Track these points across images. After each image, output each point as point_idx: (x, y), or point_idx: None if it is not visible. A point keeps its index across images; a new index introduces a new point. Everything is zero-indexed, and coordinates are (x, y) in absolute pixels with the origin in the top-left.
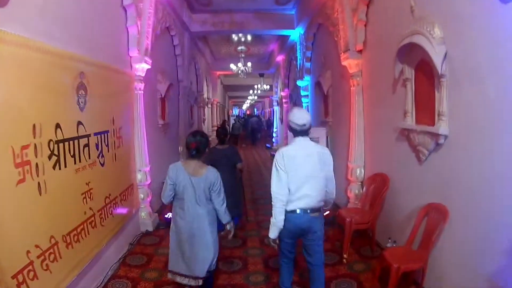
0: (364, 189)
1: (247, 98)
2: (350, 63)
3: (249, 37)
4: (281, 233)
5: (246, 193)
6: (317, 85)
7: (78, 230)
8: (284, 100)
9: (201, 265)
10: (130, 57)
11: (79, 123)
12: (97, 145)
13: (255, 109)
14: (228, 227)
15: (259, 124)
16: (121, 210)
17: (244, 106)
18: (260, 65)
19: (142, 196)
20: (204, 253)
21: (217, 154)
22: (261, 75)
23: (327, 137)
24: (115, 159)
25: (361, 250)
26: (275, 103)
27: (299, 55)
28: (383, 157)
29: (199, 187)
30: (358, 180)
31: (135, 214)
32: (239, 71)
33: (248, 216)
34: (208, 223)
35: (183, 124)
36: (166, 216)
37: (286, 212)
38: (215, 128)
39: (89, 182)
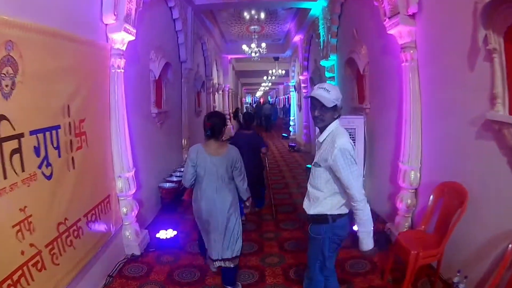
0: (430, 202)
1: (261, 85)
2: (401, 31)
3: (262, 15)
4: (330, 244)
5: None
6: (348, 64)
7: (14, 279)
8: (303, 85)
9: (229, 247)
10: (106, 25)
11: (0, 117)
12: (37, 149)
13: (269, 97)
14: (247, 203)
15: (273, 111)
16: (92, 234)
17: (258, 94)
18: (275, 47)
19: (125, 210)
20: (228, 235)
21: (242, 138)
22: (276, 58)
23: (364, 128)
24: (74, 166)
25: (419, 285)
26: (292, 89)
27: (322, 31)
28: (455, 160)
29: (221, 166)
30: (412, 186)
31: (116, 233)
32: (252, 53)
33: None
34: (230, 205)
35: (187, 113)
36: (158, 236)
37: (340, 216)
38: (227, 116)
39: (25, 207)
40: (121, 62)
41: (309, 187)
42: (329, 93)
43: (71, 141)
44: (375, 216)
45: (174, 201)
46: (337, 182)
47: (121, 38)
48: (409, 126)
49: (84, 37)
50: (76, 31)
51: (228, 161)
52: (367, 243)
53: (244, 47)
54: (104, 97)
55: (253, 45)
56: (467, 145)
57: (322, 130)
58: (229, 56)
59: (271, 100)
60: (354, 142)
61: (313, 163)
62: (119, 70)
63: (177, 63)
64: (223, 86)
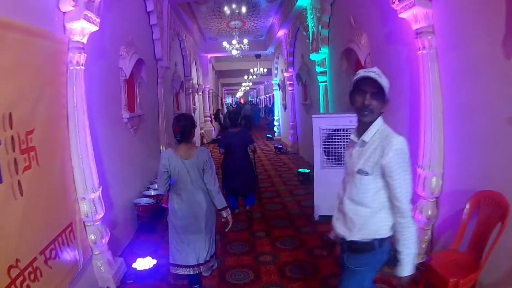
0: (464, 215)
1: (241, 85)
2: (416, 14)
3: (243, 9)
4: (372, 274)
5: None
6: (345, 55)
7: None
8: (288, 83)
9: (203, 252)
10: (64, 13)
11: None
12: None
13: (249, 97)
14: (224, 214)
15: (254, 112)
16: (55, 272)
17: (238, 94)
18: (257, 44)
19: (93, 237)
20: (203, 239)
21: (231, 137)
22: (258, 56)
23: None
24: (22, 193)
25: None
26: (275, 87)
27: (310, 22)
28: (485, 165)
29: (193, 168)
30: (433, 195)
31: (86, 265)
32: (233, 50)
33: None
34: (206, 207)
35: (165, 116)
36: (135, 267)
37: (388, 238)
38: (208, 118)
39: None
40: (81, 58)
41: (347, 205)
42: (381, 78)
43: (15, 160)
44: None
45: (153, 219)
46: (387, 192)
47: (81, 28)
48: (430, 125)
49: (32, 27)
50: (24, 19)
51: (199, 164)
52: (408, 268)
53: (225, 44)
54: (61, 101)
55: (234, 42)
56: (501, 147)
57: (363, 127)
58: (209, 55)
59: (252, 100)
60: None
61: (356, 170)
62: (78, 67)
63: (152, 61)
64: (203, 87)
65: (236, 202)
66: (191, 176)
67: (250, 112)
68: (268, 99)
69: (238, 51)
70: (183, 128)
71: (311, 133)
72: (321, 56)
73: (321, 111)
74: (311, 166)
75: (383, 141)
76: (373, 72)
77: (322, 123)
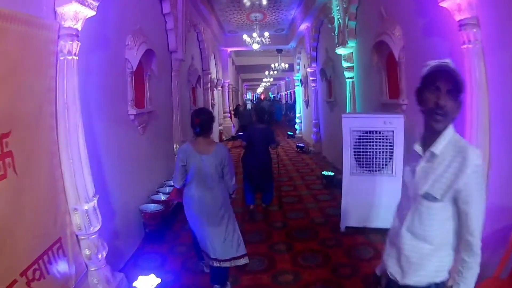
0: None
1: (262, 81)
2: (459, 2)
3: (264, 1)
4: None
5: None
6: (376, 49)
7: None
8: (311, 78)
9: (232, 246)
10: None
11: None
12: None
13: (270, 93)
14: (233, 196)
15: (276, 108)
16: None
17: (259, 90)
18: (278, 39)
19: (88, 252)
20: (225, 235)
21: (255, 132)
22: (279, 51)
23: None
24: None
25: None
26: (297, 83)
27: (336, 14)
28: None
29: (211, 164)
30: None
31: (81, 282)
32: (254, 43)
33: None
34: (221, 204)
35: (180, 112)
36: (136, 286)
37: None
38: (227, 114)
39: None
40: (74, 46)
41: (404, 239)
42: (457, 72)
43: None
44: None
45: (161, 228)
46: (455, 222)
47: (74, 12)
48: (474, 130)
49: (9, 11)
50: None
51: (217, 159)
52: None
53: (245, 37)
54: (48, 97)
55: (254, 35)
56: None
57: (432, 135)
58: (229, 49)
59: (273, 95)
60: (391, 150)
61: (421, 194)
62: (70, 57)
63: (165, 53)
64: (222, 82)
65: (253, 199)
66: (208, 171)
67: (268, 109)
68: (289, 95)
69: (259, 45)
70: (203, 120)
71: (335, 133)
72: (348, 50)
73: (347, 110)
74: (334, 168)
75: (458, 155)
76: (448, 64)
77: (353, 124)
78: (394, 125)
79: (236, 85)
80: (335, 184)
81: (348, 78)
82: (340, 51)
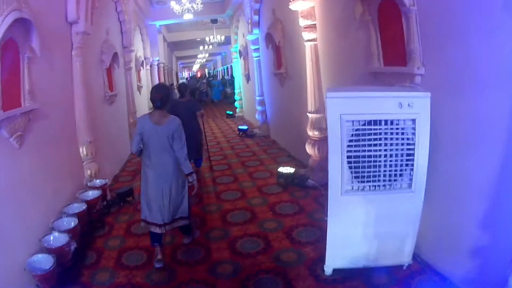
0: None
1: (197, 58)
2: None
3: None
4: None
5: None
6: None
7: None
8: (252, 47)
9: (173, 210)
10: None
11: None
12: None
13: (207, 70)
14: (190, 179)
15: (200, 86)
16: None
17: (195, 67)
18: (213, 7)
19: None
20: (174, 198)
21: (179, 106)
22: (214, 21)
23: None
24: None
25: None
26: (235, 56)
27: None
28: None
29: (163, 134)
30: None
31: None
32: (186, 12)
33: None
34: (173, 170)
35: (85, 105)
36: None
37: None
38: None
39: None
40: None
41: None
42: None
43: None
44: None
45: None
46: None
47: None
48: None
49: None
50: None
51: (168, 131)
52: None
53: (173, 4)
54: None
55: (184, 0)
56: None
57: None
58: (158, 23)
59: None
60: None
61: None
62: None
63: (61, 25)
64: (151, 60)
65: None
66: (160, 140)
67: (194, 85)
68: (225, 70)
69: (191, 15)
70: (163, 95)
71: (288, 112)
72: (308, 3)
73: (308, 85)
74: (290, 157)
75: None
76: None
77: (347, 108)
78: (416, 109)
79: (170, 63)
80: (297, 183)
81: (308, 40)
82: (296, 5)
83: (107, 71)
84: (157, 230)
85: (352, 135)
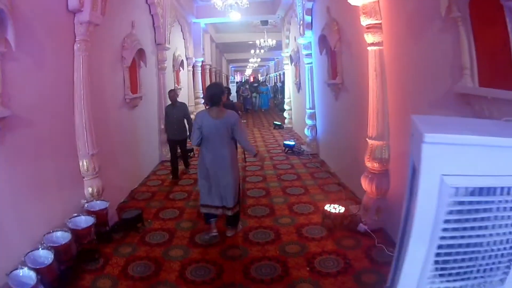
0: None
1: (249, 62)
2: None
3: None
4: None
5: None
6: None
7: None
8: (304, 53)
9: (229, 196)
10: None
11: None
12: None
13: (259, 75)
14: (257, 157)
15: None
16: None
17: (247, 72)
18: (262, 7)
19: None
20: (229, 186)
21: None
22: (264, 23)
23: None
24: None
25: None
26: (286, 62)
27: None
28: None
29: (222, 127)
30: None
31: None
32: (228, 7)
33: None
34: (230, 161)
35: (87, 109)
36: None
37: None
38: (201, 100)
39: None
40: None
41: None
42: None
43: None
44: None
45: None
46: None
47: None
48: None
49: None
50: None
51: (227, 123)
52: None
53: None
54: None
55: None
56: None
57: None
58: (203, 22)
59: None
60: None
61: None
62: None
63: (57, 13)
64: (193, 61)
65: None
66: (219, 132)
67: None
68: (278, 77)
69: (234, 9)
70: (213, 95)
71: (341, 131)
72: None
73: (371, 103)
74: (340, 186)
75: None
76: None
77: (455, 164)
78: None
79: (219, 66)
80: (346, 225)
81: (371, 44)
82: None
83: (129, 70)
84: (217, 211)
85: (450, 211)
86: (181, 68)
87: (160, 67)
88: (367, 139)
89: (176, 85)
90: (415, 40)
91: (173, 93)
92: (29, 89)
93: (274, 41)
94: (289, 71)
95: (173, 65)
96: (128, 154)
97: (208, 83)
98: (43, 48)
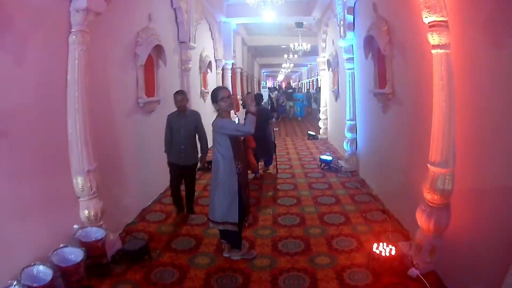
0: None
1: (282, 67)
2: None
3: None
4: None
5: None
6: None
7: None
8: (345, 57)
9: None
10: None
11: None
12: None
13: (291, 81)
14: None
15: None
16: None
17: (279, 77)
18: (297, 7)
19: None
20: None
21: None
22: (299, 25)
23: None
24: None
25: None
26: (322, 67)
27: None
28: None
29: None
30: None
31: None
32: (260, 2)
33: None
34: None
35: (82, 114)
36: None
37: None
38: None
39: None
40: None
41: None
42: None
43: None
44: None
45: None
46: None
47: None
48: None
49: None
50: None
51: (215, 128)
52: None
53: None
54: None
55: None
56: None
57: None
58: (234, 21)
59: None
60: None
61: None
62: None
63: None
64: (223, 63)
65: (257, 168)
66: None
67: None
68: (310, 84)
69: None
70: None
71: (387, 148)
72: None
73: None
74: (385, 213)
75: None
76: None
77: None
78: None
79: (251, 70)
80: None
81: (436, 47)
82: None
83: (144, 70)
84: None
85: None
86: (208, 70)
87: (184, 68)
88: (428, 164)
89: (203, 88)
90: (493, 42)
91: (181, 97)
92: (3, 91)
93: (309, 45)
94: (325, 77)
95: (199, 66)
96: (140, 166)
97: (239, 87)
98: (23, 42)
